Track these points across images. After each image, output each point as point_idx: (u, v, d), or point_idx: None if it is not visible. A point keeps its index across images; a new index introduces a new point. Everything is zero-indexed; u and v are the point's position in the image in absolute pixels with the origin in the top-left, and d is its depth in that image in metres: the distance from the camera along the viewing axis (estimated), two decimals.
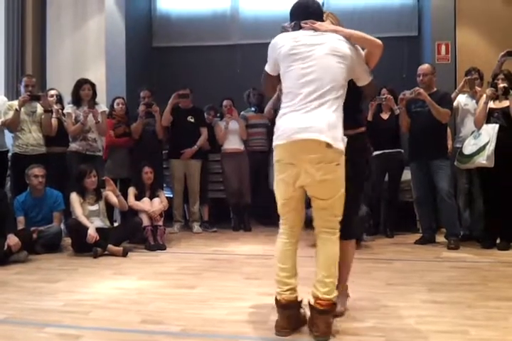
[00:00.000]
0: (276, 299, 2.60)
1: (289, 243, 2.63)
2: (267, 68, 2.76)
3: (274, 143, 2.58)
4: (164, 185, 6.11)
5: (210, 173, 6.32)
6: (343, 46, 2.57)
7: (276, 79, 2.75)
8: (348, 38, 2.60)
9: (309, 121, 2.47)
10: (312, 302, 2.54)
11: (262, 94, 6.20)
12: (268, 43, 2.70)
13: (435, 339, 2.50)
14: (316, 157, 2.46)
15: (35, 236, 4.64)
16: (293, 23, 2.68)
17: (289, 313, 2.57)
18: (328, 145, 2.44)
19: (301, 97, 2.51)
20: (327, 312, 2.49)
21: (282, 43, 2.61)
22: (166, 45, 7.62)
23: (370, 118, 5.50)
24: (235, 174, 6.09)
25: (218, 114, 6.36)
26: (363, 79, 2.70)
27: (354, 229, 2.86)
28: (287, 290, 2.58)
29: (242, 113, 6.30)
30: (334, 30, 2.62)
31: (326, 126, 2.46)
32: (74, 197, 4.82)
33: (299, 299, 2.62)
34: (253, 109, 6.33)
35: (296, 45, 2.57)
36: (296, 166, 2.50)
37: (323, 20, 2.70)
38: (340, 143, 2.49)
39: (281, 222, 2.68)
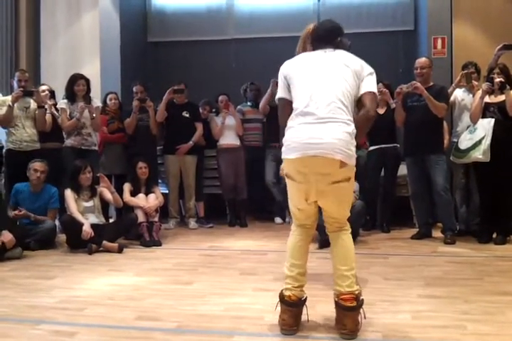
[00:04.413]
0: (283, 297, 2.54)
1: (303, 240, 2.61)
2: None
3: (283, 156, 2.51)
4: (159, 181, 6.09)
5: (206, 169, 6.29)
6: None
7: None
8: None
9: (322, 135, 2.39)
10: (337, 299, 2.50)
11: (258, 89, 6.20)
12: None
13: (432, 334, 2.49)
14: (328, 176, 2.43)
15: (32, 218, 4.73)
16: None
17: (297, 311, 2.54)
18: (342, 164, 2.40)
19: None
20: (354, 308, 2.44)
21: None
22: (160, 40, 7.60)
23: None
24: (230, 169, 6.07)
25: (214, 110, 6.33)
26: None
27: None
28: (298, 286, 2.55)
29: (238, 107, 6.28)
30: None
31: (341, 141, 2.39)
32: (68, 193, 4.79)
33: (304, 296, 2.59)
34: (249, 103, 6.30)
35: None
36: (307, 185, 2.47)
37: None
38: (353, 158, 2.44)
39: (294, 223, 2.66)
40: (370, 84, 2.53)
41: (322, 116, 2.41)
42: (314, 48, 2.66)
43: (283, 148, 2.51)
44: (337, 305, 2.50)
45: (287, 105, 2.58)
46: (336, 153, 2.36)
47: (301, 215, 2.61)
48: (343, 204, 2.56)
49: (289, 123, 2.50)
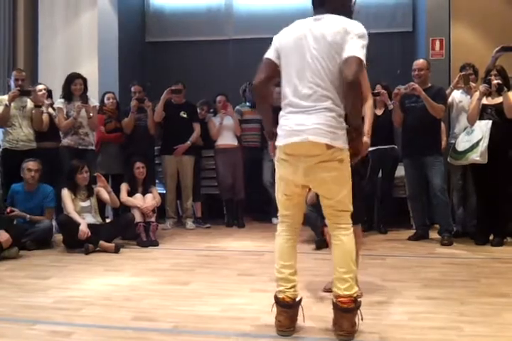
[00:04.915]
0: (277, 298, 2.53)
1: (291, 240, 2.59)
2: None
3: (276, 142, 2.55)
4: (157, 181, 6.08)
5: (204, 169, 6.29)
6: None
7: None
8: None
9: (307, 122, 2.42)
10: (334, 300, 2.48)
11: None
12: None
13: (428, 336, 2.49)
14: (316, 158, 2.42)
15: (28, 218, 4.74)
16: None
17: (293, 312, 2.53)
18: (329, 146, 2.39)
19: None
20: (351, 310, 2.44)
21: None
22: (159, 40, 7.57)
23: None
24: (228, 170, 6.06)
25: (212, 110, 6.32)
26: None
27: (357, 214, 2.69)
28: (291, 287, 2.53)
29: (237, 107, 6.27)
30: None
31: (323, 125, 2.40)
32: (65, 193, 4.78)
33: (300, 297, 2.57)
34: (248, 104, 6.30)
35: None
36: (296, 165, 2.46)
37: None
38: (341, 141, 2.42)
39: (280, 219, 2.63)
40: (349, 49, 2.37)
41: (306, 105, 2.44)
42: (314, 12, 2.59)
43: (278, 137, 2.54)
44: (334, 306, 2.49)
45: (270, 66, 2.58)
46: (320, 136, 2.38)
47: (288, 204, 2.58)
48: (335, 187, 2.46)
49: (281, 112, 2.56)
